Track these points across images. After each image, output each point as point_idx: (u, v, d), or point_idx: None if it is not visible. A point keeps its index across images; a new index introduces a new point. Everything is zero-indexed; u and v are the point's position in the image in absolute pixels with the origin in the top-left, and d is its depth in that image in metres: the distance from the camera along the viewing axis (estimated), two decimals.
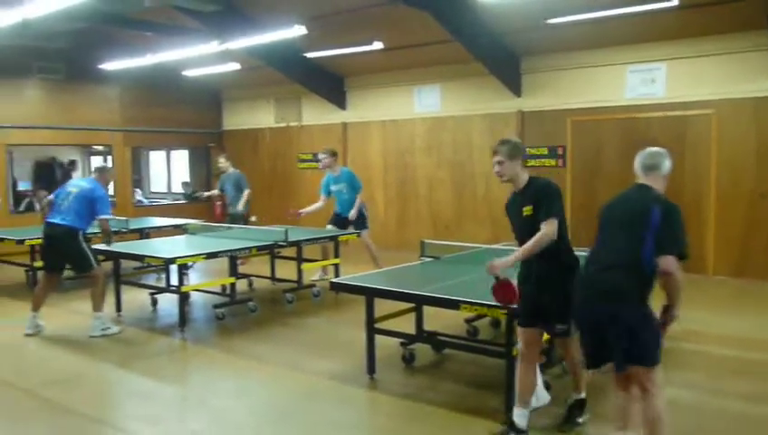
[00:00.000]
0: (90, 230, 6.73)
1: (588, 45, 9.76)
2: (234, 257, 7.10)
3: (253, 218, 14.08)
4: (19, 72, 11.67)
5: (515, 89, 10.60)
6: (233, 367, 5.71)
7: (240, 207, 10.66)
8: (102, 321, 6.53)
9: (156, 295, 7.73)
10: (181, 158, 16.80)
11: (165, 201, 15.48)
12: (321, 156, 9.21)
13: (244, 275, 8.30)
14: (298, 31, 8.64)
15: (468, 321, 6.28)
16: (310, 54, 10.98)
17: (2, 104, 11.46)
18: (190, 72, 12.71)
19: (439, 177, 11.71)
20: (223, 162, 11.03)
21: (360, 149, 12.74)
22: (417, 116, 11.88)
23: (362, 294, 5.11)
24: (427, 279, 5.52)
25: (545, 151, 10.49)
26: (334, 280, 5.23)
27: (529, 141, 10.59)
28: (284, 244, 7.42)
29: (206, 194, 12.54)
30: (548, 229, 3.88)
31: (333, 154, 9.21)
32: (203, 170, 15.44)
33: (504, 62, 10.43)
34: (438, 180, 11.72)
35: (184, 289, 6.69)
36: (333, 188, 9.19)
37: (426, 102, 11.76)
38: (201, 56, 10.78)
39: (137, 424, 4.48)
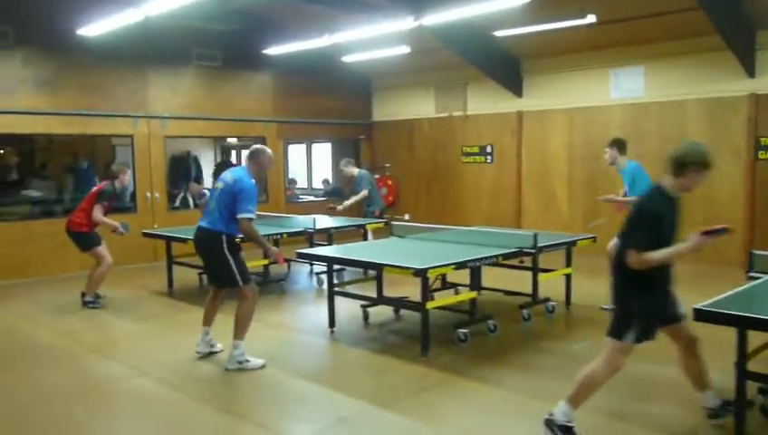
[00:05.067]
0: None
1: None
2: (477, 267, 5.88)
3: (406, 217, 13.00)
4: (178, 60, 10.91)
5: (748, 68, 8.95)
6: (513, 406, 4.48)
7: (348, 203, 9.61)
8: (242, 351, 5.26)
9: (367, 308, 6.64)
10: (322, 152, 15.91)
11: (308, 197, 14.54)
12: (605, 149, 7.11)
13: (484, 288, 6.96)
14: (518, 1, 7.37)
15: None
16: (500, 33, 9.66)
17: (161, 93, 10.73)
18: (350, 58, 11.67)
19: None
20: (344, 168, 9.79)
21: (538, 140, 11.35)
22: (614, 103, 10.38)
23: (738, 325, 3.75)
24: None
25: None
26: (698, 306, 3.90)
27: (766, 130, 8.95)
28: (532, 250, 6.13)
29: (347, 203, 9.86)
30: None
31: (616, 144, 7.04)
32: None
33: (737, 36, 8.80)
34: None
35: (429, 305, 5.50)
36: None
37: (625, 87, 10.24)
38: (368, 39, 9.73)
39: None
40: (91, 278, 7.48)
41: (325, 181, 14.71)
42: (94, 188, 7.51)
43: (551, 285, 7.01)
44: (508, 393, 4.77)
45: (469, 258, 5.64)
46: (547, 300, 6.85)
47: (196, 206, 11.98)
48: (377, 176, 13.80)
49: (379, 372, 5.27)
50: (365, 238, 9.18)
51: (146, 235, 8.59)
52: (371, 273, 7.14)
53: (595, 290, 7.75)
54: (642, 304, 3.72)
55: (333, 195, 13.86)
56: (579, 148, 10.84)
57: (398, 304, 6.44)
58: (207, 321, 5.70)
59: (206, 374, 5.28)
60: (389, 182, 13.59)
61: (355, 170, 9.76)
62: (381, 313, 6.86)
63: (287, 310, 7.58)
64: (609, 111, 10.44)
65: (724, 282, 4.06)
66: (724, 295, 4.09)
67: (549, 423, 3.81)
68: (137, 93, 10.42)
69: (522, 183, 11.62)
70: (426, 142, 13.02)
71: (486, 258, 5.77)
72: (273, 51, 10.71)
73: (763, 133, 8.99)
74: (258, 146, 5.57)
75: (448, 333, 5.97)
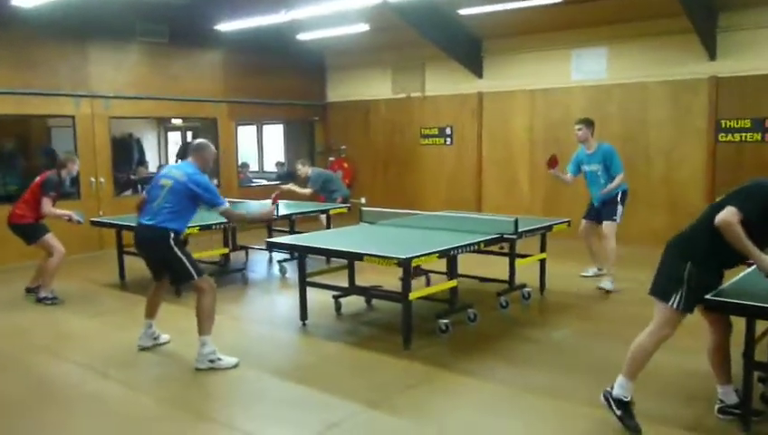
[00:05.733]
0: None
1: None
2: (454, 255, 5.63)
3: (362, 200, 12.67)
4: (122, 35, 10.22)
5: (710, 50, 8.97)
6: (505, 401, 4.29)
7: (289, 186, 9.72)
8: (212, 349, 4.90)
9: (340, 299, 6.34)
10: (274, 133, 15.36)
11: (260, 181, 14.01)
12: (576, 126, 7.40)
13: (460, 275, 6.68)
14: None
15: None
16: (465, 11, 9.39)
17: (104, 71, 10.04)
18: (305, 36, 11.20)
19: None
20: (301, 168, 9.91)
21: (499, 122, 11.19)
22: (576, 84, 10.29)
23: (749, 315, 3.63)
24: None
25: (747, 124, 8.89)
26: (709, 297, 3.73)
27: (725, 112, 9.03)
28: (514, 236, 5.94)
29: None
30: None
31: (591, 123, 7.37)
32: (303, 148, 13.96)
33: (701, 17, 8.78)
34: None
35: (412, 296, 5.23)
36: (585, 168, 7.37)
37: (586, 69, 10.16)
38: (326, 16, 9.34)
39: None
40: (44, 271, 6.89)
41: (279, 164, 14.21)
42: (37, 178, 6.89)
43: (523, 271, 6.83)
44: (498, 387, 4.57)
45: (452, 245, 5.40)
46: (523, 286, 6.69)
47: (144, 189, 11.40)
48: (331, 158, 13.46)
49: (362, 367, 4.99)
50: (328, 225, 8.85)
51: (95, 223, 8.03)
52: (338, 261, 6.80)
53: (567, 273, 7.71)
54: (693, 272, 3.64)
55: (287, 178, 13.39)
56: (540, 130, 10.74)
57: (378, 294, 6.14)
58: (150, 313, 5.42)
59: (176, 375, 4.89)
60: (345, 165, 13.23)
61: (309, 170, 9.86)
62: (352, 303, 6.57)
63: (252, 302, 7.20)
64: (570, 92, 10.34)
65: None
66: (727, 284, 3.97)
67: (606, 396, 3.83)
68: (78, 71, 9.71)
69: (482, 166, 11.46)
70: (382, 124, 12.70)
71: (469, 245, 5.54)
72: (224, 27, 10.15)
73: (723, 116, 9.05)
74: (201, 140, 5.40)
75: (428, 324, 5.73)
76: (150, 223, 5.02)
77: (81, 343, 5.67)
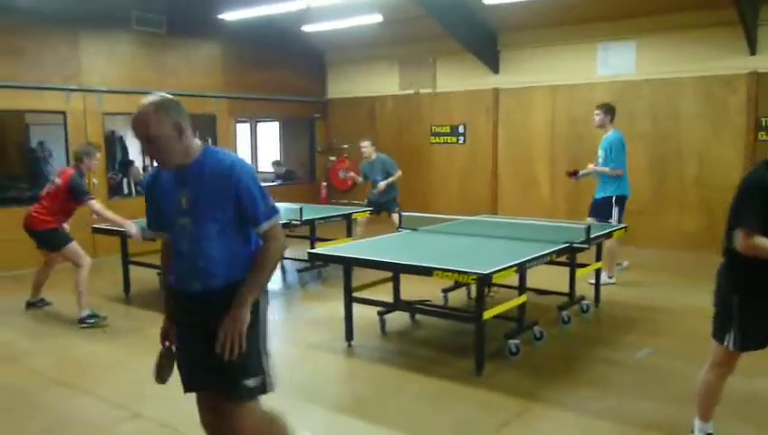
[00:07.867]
0: None
1: None
2: (524, 268, 4.99)
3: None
4: (116, 24, 9.40)
5: (752, 44, 8.50)
6: None
7: (381, 186, 8.85)
8: None
9: (384, 316, 5.67)
10: (267, 132, 14.57)
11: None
12: (595, 111, 7.27)
13: (507, 286, 6.03)
14: None
15: None
16: (490, 1, 8.77)
17: (96, 63, 9.21)
18: (311, 27, 10.48)
19: (630, 152, 9.59)
20: (367, 147, 9.05)
21: (517, 119, 10.61)
22: (602, 80, 9.75)
23: None
24: None
25: None
26: None
27: (767, 110, 8.56)
28: (585, 245, 5.34)
29: (351, 176, 10.03)
30: None
31: (607, 109, 7.18)
32: (303, 146, 13.21)
33: (743, 9, 8.28)
34: (629, 156, 9.59)
35: (486, 315, 4.59)
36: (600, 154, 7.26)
37: (614, 63, 9.63)
38: (336, 6, 8.70)
39: None
40: (76, 289, 6.03)
41: (276, 163, 13.44)
42: (57, 181, 6.05)
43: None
44: (602, 423, 3.93)
45: (527, 258, 4.76)
46: (582, 299, 6.09)
47: (138, 193, 10.60)
48: (332, 158, 12.76)
49: (434, 399, 4.31)
50: (348, 232, 8.17)
51: (96, 230, 7.23)
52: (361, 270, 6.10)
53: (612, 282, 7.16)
54: (745, 304, 3.09)
55: (286, 178, 12.68)
56: (562, 128, 10.19)
57: (444, 313, 5.48)
58: None
59: None
60: (347, 165, 12.52)
61: (374, 154, 9.05)
62: (394, 319, 5.90)
63: (281, 319, 6.45)
64: (595, 88, 9.78)
65: None
66: None
67: None
68: (68, 62, 8.87)
69: (498, 165, 10.87)
70: (389, 122, 12.03)
71: (541, 257, 4.92)
72: (229, 16, 9.38)
73: (764, 113, 8.58)
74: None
75: (490, 344, 5.08)
76: None
77: (97, 373, 4.90)
